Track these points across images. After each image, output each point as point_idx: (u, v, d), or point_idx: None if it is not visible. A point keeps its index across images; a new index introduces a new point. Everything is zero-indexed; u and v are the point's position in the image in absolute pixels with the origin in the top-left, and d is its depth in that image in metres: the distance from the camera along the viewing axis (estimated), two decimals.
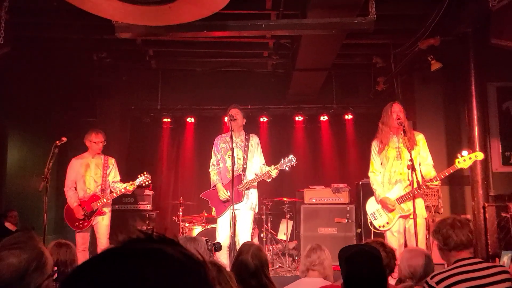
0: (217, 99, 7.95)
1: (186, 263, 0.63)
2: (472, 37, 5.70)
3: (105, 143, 5.36)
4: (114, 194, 5.23)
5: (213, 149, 5.03)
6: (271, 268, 5.95)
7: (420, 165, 4.42)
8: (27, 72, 6.37)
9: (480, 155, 4.41)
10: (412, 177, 4.06)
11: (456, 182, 6.45)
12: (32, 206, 5.88)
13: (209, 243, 2.76)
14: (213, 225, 5.69)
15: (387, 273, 2.61)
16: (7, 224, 5.70)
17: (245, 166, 4.83)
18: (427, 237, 4.78)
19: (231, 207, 4.44)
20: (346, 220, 6.46)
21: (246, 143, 4.90)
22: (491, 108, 6.42)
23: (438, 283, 2.32)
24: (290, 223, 7.01)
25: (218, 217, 4.84)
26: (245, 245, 2.68)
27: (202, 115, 8.29)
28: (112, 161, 5.42)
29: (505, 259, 4.34)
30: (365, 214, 4.97)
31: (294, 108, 8.23)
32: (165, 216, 7.87)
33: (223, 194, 4.74)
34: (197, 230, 6.33)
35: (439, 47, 5.76)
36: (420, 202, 4.35)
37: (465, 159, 4.26)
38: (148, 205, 7.07)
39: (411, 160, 4.09)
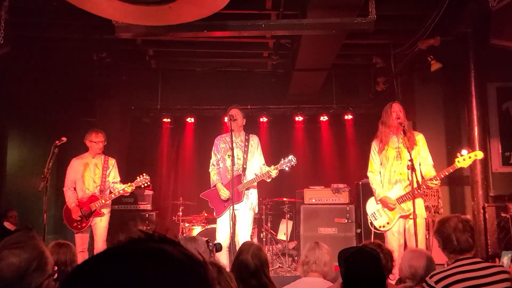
0: (217, 99, 7.95)
1: (186, 263, 0.63)
2: (472, 37, 5.70)
3: (105, 143, 5.34)
4: (113, 195, 5.21)
5: (213, 149, 5.02)
6: (271, 268, 5.94)
7: (420, 165, 4.43)
8: (27, 72, 6.37)
9: (480, 154, 4.41)
10: (412, 177, 4.06)
11: (456, 182, 6.45)
12: (32, 206, 5.87)
13: (210, 244, 2.76)
14: (213, 225, 5.68)
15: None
16: (7, 224, 5.70)
17: (245, 166, 4.83)
18: (427, 237, 4.78)
19: (231, 207, 4.44)
20: (346, 220, 6.46)
21: (246, 143, 4.89)
22: (491, 108, 6.43)
23: (437, 282, 2.32)
24: (290, 223, 7.01)
25: (218, 217, 4.83)
26: (245, 244, 2.68)
27: (202, 115, 8.28)
28: (112, 161, 5.40)
29: (505, 259, 4.34)
30: (365, 214, 4.97)
31: (294, 108, 8.23)
32: (165, 216, 7.86)
33: (224, 192, 4.74)
34: (197, 230, 6.33)
35: (439, 47, 5.76)
36: (420, 202, 4.35)
37: (465, 158, 4.26)
38: (148, 205, 7.08)
39: (411, 160, 4.09)
